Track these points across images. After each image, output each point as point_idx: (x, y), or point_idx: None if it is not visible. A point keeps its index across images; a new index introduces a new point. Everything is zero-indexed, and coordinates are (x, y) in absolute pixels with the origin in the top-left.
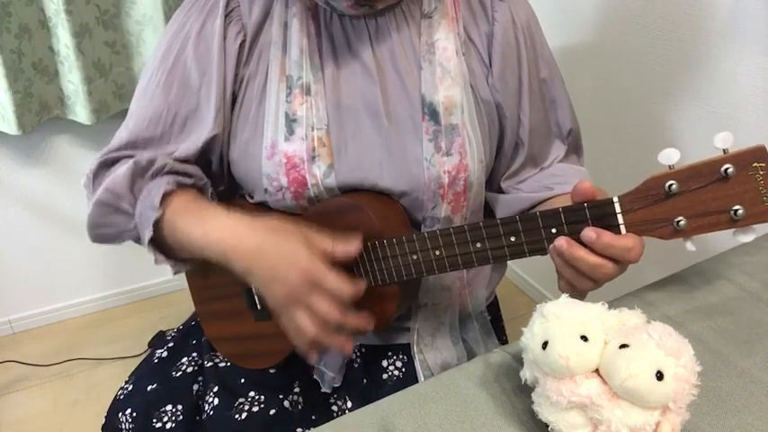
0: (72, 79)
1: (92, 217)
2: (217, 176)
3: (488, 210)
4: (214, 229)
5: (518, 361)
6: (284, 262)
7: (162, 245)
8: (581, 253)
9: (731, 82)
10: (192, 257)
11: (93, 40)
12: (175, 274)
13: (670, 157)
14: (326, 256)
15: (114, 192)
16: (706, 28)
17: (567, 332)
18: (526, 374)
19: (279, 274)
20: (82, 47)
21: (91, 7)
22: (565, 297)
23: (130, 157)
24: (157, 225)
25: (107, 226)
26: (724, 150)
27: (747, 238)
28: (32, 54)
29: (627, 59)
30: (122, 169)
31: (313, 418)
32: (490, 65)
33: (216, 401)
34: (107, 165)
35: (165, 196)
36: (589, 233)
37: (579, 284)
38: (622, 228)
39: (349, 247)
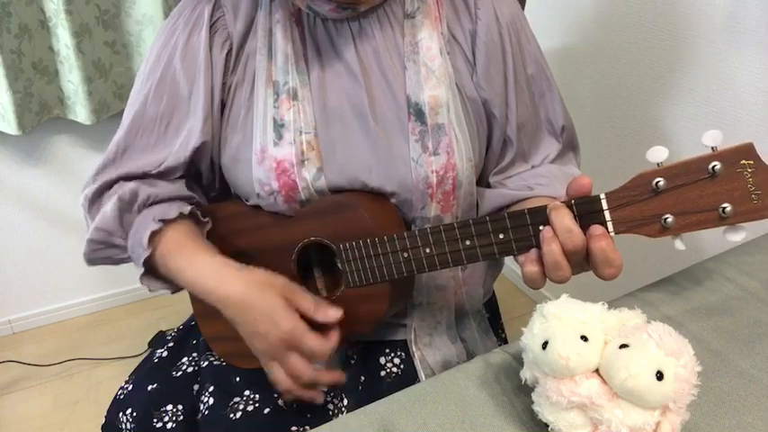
0: (72, 79)
1: (87, 253)
2: (208, 184)
3: (477, 205)
4: (202, 276)
5: (518, 361)
6: (265, 320)
7: (157, 273)
8: (573, 225)
9: (731, 82)
10: None
11: (93, 40)
12: (173, 293)
13: (658, 154)
14: (304, 313)
15: (105, 230)
16: (705, 28)
17: (567, 332)
18: (526, 374)
19: (259, 331)
20: (82, 47)
21: (91, 7)
22: (565, 297)
23: (124, 179)
24: (149, 261)
25: (103, 259)
26: (713, 148)
27: (737, 237)
28: (32, 54)
29: (626, 59)
30: (109, 207)
31: (308, 416)
32: (474, 63)
33: (211, 401)
34: (100, 192)
35: (153, 236)
36: (597, 228)
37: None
38: (610, 225)
39: (330, 314)
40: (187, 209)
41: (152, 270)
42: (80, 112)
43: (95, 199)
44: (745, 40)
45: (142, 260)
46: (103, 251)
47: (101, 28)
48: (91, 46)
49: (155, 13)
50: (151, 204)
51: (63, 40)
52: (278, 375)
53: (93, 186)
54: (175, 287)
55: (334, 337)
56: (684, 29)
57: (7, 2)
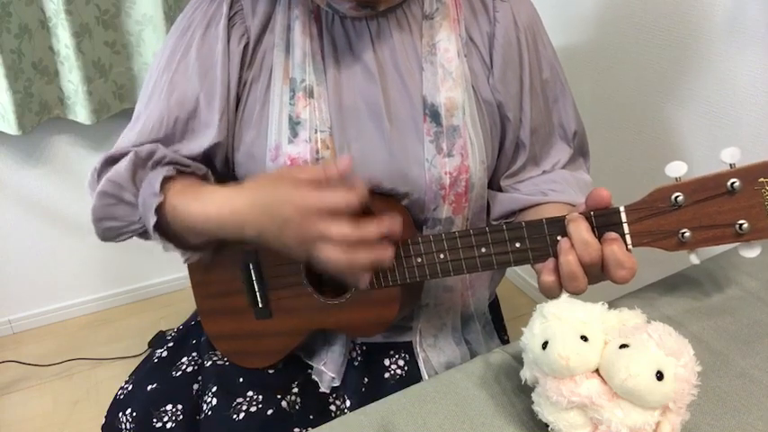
0: (72, 79)
1: (95, 209)
2: (222, 178)
3: (488, 208)
4: (210, 203)
5: (518, 361)
6: (278, 206)
7: (168, 232)
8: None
9: (731, 82)
10: (200, 241)
11: (93, 40)
12: (186, 262)
13: (677, 169)
14: (315, 182)
15: (116, 182)
16: (706, 28)
17: (567, 332)
18: (526, 374)
19: (280, 220)
20: (82, 47)
21: (91, 7)
22: (565, 297)
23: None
24: (160, 211)
25: (111, 218)
26: (731, 165)
27: (752, 253)
28: (32, 54)
29: (626, 59)
30: (124, 161)
31: (311, 417)
32: (491, 65)
33: (214, 402)
34: (110, 162)
35: (165, 182)
36: (610, 233)
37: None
38: (628, 237)
39: (340, 163)
40: (203, 170)
41: (165, 229)
42: (80, 112)
43: (105, 166)
44: (745, 40)
45: (153, 208)
46: (112, 208)
47: (101, 28)
48: (91, 46)
49: (155, 13)
50: (166, 164)
51: (63, 40)
52: (328, 253)
53: (101, 159)
54: (188, 249)
55: (355, 189)
56: (684, 29)
57: (7, 2)
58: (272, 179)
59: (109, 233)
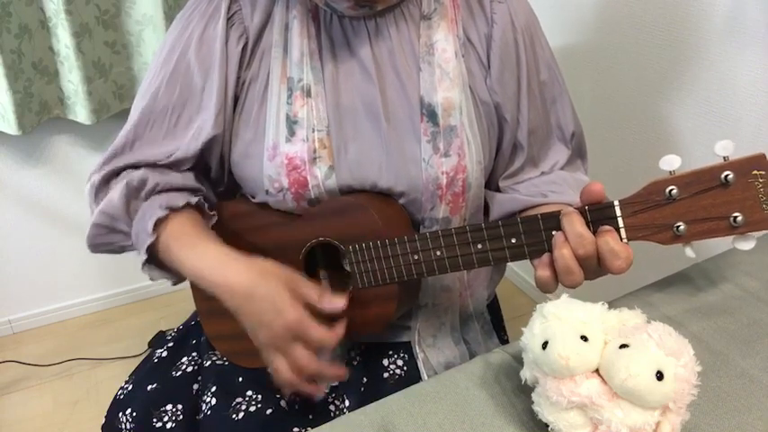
0: (72, 79)
1: (90, 237)
2: (216, 178)
3: (487, 209)
4: (205, 264)
5: (518, 361)
6: (270, 310)
7: (159, 262)
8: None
9: (731, 82)
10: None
11: (93, 40)
12: (174, 285)
13: (671, 162)
14: (311, 305)
15: (110, 214)
16: (706, 28)
17: (567, 332)
18: (526, 374)
19: (264, 321)
20: (82, 47)
21: (91, 7)
22: (565, 297)
23: (133, 167)
24: (152, 248)
25: (106, 245)
26: (724, 158)
27: (746, 245)
28: (32, 54)
29: (627, 59)
30: (116, 191)
31: (310, 417)
32: (488, 66)
33: (213, 401)
34: (108, 179)
35: (158, 223)
36: (604, 226)
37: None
38: (622, 231)
39: (336, 303)
40: (194, 199)
41: (155, 259)
42: (80, 112)
43: (102, 185)
44: (745, 40)
45: (146, 246)
46: (106, 236)
47: (101, 28)
48: (91, 46)
49: (155, 13)
50: (159, 192)
51: (63, 40)
52: (280, 367)
53: (100, 173)
54: (177, 277)
55: (339, 328)
56: (684, 29)
57: (7, 2)
58: (273, 274)
59: (103, 252)
